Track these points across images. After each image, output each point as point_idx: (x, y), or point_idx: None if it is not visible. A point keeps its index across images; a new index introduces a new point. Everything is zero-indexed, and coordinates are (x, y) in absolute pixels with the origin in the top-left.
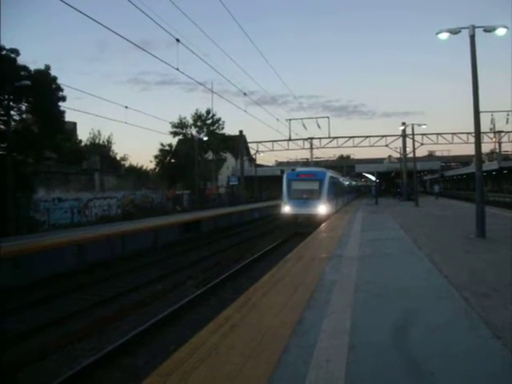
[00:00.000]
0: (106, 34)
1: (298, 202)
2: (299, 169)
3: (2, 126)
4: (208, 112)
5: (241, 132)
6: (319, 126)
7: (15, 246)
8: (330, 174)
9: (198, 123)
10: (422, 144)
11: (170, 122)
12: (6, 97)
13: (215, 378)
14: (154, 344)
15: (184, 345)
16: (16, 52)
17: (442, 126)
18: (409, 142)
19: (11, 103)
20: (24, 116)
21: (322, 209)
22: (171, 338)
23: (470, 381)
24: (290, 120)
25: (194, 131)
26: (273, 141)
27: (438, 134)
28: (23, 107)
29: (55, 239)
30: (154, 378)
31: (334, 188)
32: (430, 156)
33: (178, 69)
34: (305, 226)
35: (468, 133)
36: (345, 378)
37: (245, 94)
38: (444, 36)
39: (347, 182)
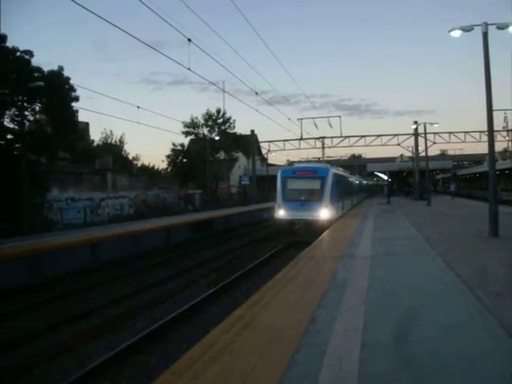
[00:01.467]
0: (119, 34)
1: (295, 205)
2: (297, 164)
3: (16, 127)
4: (218, 111)
5: (252, 131)
6: (331, 126)
7: (30, 245)
8: (334, 170)
9: (209, 123)
10: (434, 143)
11: (182, 122)
12: (21, 98)
13: (228, 376)
14: (166, 343)
15: (197, 343)
16: (30, 53)
17: (454, 124)
18: (421, 140)
19: (25, 104)
20: (38, 116)
21: (325, 213)
22: (184, 337)
23: (484, 380)
24: (301, 119)
25: (205, 131)
26: (284, 140)
27: (450, 132)
28: (37, 108)
29: (69, 238)
30: (166, 376)
31: (340, 187)
32: (443, 155)
33: (189, 68)
34: (303, 235)
35: (481, 131)
36: (358, 377)
37: (256, 93)
38: (456, 34)
39: (357, 181)
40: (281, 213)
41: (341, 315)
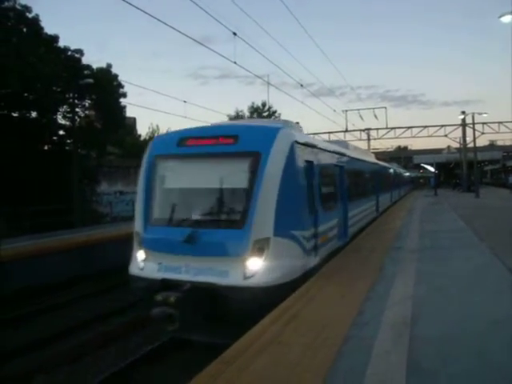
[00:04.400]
0: (166, 30)
1: (173, 238)
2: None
3: (68, 123)
4: (264, 104)
5: (297, 124)
6: (376, 117)
7: (81, 237)
8: (299, 135)
9: (255, 116)
10: (482, 133)
11: (227, 115)
12: (72, 95)
13: (276, 366)
14: None
15: (245, 334)
16: (80, 52)
17: (504, 114)
18: (469, 131)
19: (76, 101)
20: (87, 113)
21: (256, 263)
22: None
23: None
24: (346, 111)
25: None
26: (329, 132)
27: (499, 122)
28: (87, 104)
29: (118, 231)
30: (216, 365)
31: (331, 183)
32: (492, 145)
33: (235, 62)
34: (198, 328)
35: None
36: (406, 370)
37: (302, 85)
38: (507, 19)
39: (388, 170)
40: (139, 259)
41: (388, 308)
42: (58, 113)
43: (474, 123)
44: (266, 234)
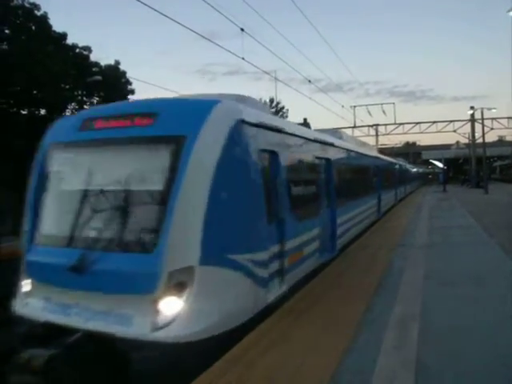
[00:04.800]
0: (175, 26)
1: (59, 264)
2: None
3: None
4: (272, 100)
5: (305, 120)
6: (384, 113)
7: None
8: (253, 111)
9: None
10: (491, 129)
11: None
12: (80, 92)
13: (283, 363)
14: None
15: (252, 332)
16: (88, 49)
17: None
18: (478, 126)
19: (84, 98)
20: None
21: (177, 307)
22: None
23: None
24: (354, 107)
25: None
26: (337, 128)
27: (509, 117)
28: (95, 101)
29: None
30: (221, 363)
31: (315, 181)
32: (501, 141)
33: (243, 58)
34: None
35: None
36: (415, 365)
37: (309, 81)
38: None
39: (395, 165)
40: (23, 291)
41: (397, 304)
42: (67, 110)
43: (482, 118)
44: (189, 260)
